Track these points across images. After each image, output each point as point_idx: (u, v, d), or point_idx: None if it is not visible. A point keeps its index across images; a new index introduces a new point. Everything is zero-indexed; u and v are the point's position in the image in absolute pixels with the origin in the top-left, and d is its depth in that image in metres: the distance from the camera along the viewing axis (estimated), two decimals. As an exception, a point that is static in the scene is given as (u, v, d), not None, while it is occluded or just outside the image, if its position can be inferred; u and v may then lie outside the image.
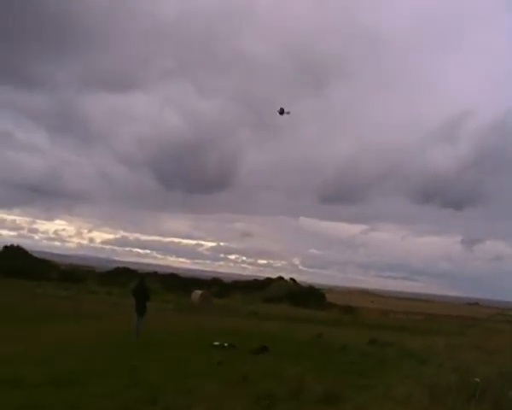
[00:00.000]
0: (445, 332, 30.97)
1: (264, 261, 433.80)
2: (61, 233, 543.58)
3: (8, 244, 64.38)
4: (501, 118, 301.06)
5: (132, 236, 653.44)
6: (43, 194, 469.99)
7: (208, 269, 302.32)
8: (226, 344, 17.69)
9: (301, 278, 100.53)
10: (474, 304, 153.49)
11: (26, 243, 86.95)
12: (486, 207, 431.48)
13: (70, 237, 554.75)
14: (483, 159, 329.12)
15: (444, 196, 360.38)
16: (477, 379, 9.41)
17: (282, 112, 24.24)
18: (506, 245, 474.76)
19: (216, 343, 17.78)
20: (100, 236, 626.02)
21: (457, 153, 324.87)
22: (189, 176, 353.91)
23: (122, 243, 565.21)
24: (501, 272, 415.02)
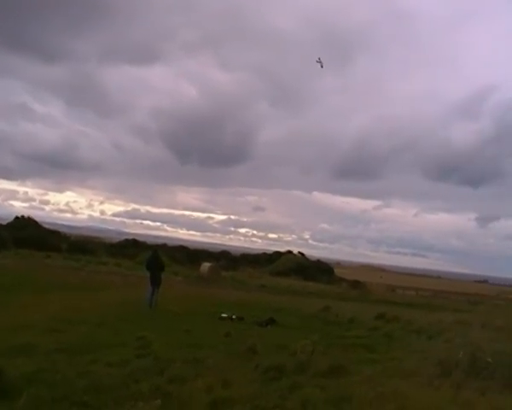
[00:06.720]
0: (453, 309, 30.94)
1: (274, 235, 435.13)
2: (72, 205, 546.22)
3: (20, 215, 64.88)
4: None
5: (143, 208, 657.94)
6: (56, 166, 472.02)
7: (218, 242, 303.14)
8: (234, 316, 17.83)
9: (311, 253, 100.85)
10: (484, 281, 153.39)
11: (37, 215, 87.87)
12: (503, 186, 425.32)
13: (81, 208, 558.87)
14: (503, 136, 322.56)
15: (461, 174, 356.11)
16: (485, 355, 9.39)
17: None
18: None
19: (224, 315, 17.92)
20: (111, 208, 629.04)
21: (477, 129, 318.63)
22: (204, 149, 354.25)
23: (133, 215, 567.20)
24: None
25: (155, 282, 19.55)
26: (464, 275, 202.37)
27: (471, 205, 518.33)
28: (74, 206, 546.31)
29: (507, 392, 7.92)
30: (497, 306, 42.54)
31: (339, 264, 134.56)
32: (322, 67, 26.19)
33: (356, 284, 59.87)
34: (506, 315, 21.53)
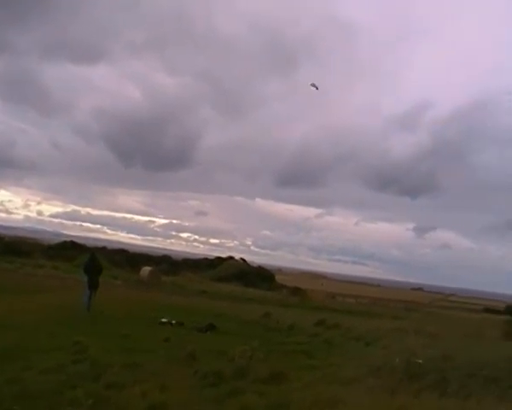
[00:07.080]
0: (390, 316, 31.80)
1: (216, 241, 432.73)
2: (6, 204, 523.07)
3: None
4: (458, 111, 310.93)
5: (83, 210, 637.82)
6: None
7: (159, 246, 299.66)
8: (174, 321, 17.66)
9: (253, 259, 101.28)
10: (419, 289, 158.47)
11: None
12: (440, 197, 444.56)
13: (16, 208, 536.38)
14: (439, 150, 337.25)
15: (399, 184, 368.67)
16: (419, 361, 9.72)
17: None
18: (455, 234, 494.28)
19: (164, 320, 17.72)
20: (49, 209, 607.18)
21: (415, 142, 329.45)
22: (146, 152, 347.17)
23: (72, 216, 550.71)
24: (447, 260, 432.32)
25: (93, 285, 19.13)
26: (401, 283, 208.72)
27: (409, 215, 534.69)
28: (9, 205, 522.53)
29: (438, 394, 8.22)
30: (429, 313, 44.33)
31: (280, 271, 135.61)
32: (317, 89, 28.19)
33: (296, 291, 60.49)
34: (437, 322, 22.46)
